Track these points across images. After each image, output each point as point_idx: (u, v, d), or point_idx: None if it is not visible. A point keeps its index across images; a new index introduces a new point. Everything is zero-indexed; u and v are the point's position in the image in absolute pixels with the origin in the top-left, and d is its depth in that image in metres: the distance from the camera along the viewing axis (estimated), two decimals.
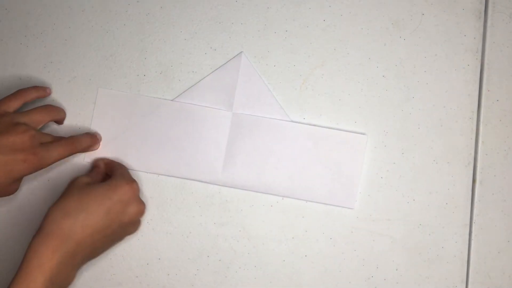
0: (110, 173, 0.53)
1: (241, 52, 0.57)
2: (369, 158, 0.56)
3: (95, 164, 0.55)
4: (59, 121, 0.56)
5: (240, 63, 0.57)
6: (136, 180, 0.51)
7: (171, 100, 0.57)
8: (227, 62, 0.57)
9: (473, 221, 0.56)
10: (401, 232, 0.56)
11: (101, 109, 0.56)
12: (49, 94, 0.56)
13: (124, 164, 0.56)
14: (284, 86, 0.57)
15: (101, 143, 0.56)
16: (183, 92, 0.57)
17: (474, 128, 0.57)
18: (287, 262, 0.55)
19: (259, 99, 0.57)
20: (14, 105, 0.52)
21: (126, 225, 0.50)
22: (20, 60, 0.57)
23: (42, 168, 0.52)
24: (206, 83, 0.57)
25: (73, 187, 0.49)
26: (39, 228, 0.45)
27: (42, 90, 0.55)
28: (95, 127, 0.56)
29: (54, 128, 0.56)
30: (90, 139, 0.54)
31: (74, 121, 0.56)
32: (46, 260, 0.44)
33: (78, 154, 0.55)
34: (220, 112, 0.56)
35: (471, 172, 0.57)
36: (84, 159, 0.56)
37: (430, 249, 0.56)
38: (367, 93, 0.57)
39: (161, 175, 0.56)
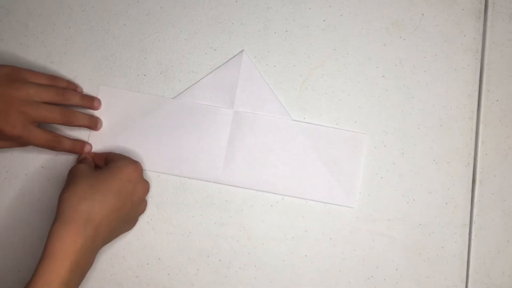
0: (103, 162, 0.54)
1: (243, 50, 0.57)
2: (369, 158, 0.56)
3: (82, 157, 0.55)
4: (92, 127, 0.55)
5: (241, 61, 0.57)
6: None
7: (172, 98, 0.57)
8: (228, 60, 0.57)
9: (473, 221, 0.56)
10: (401, 232, 0.56)
11: (102, 107, 0.56)
12: (81, 90, 0.56)
13: None
14: (284, 86, 0.57)
15: (101, 143, 0.56)
16: (184, 90, 0.57)
17: (474, 128, 0.57)
18: (287, 262, 0.55)
19: (260, 97, 0.57)
20: (38, 80, 0.52)
21: (137, 204, 0.51)
22: (20, 60, 0.57)
23: (38, 121, 0.51)
24: (207, 81, 0.57)
25: (79, 174, 0.49)
26: (56, 215, 0.45)
27: (74, 85, 0.56)
28: None
29: (56, 128, 0.56)
30: (88, 119, 0.54)
31: None
32: (69, 245, 0.44)
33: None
34: (221, 110, 0.56)
35: (471, 172, 0.57)
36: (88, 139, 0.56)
37: (430, 249, 0.56)
38: (367, 93, 0.57)
39: (162, 173, 0.56)
